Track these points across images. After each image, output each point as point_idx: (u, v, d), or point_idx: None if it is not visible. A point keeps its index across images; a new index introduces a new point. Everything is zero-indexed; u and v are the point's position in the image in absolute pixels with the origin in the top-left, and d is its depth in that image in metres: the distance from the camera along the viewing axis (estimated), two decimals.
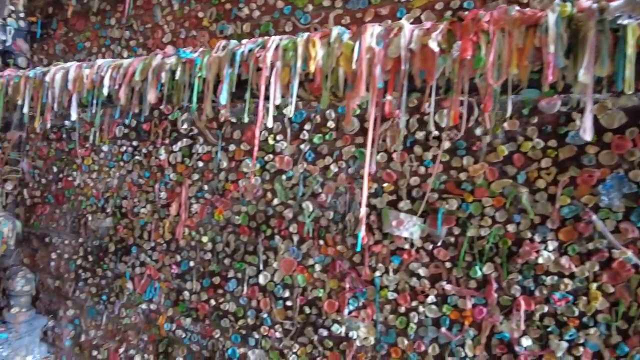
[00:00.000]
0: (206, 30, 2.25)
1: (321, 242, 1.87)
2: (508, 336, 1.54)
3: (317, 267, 1.87)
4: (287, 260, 1.94)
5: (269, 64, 1.35)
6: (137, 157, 2.48)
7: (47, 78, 1.93)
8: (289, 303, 1.94)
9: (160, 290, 2.36)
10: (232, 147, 2.13)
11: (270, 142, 2.00)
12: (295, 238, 1.93)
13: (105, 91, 1.71)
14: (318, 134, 1.88)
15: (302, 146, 1.92)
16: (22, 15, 2.71)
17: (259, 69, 1.40)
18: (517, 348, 1.52)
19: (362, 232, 1.20)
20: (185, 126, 2.28)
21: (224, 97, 1.42)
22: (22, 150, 2.88)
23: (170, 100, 1.57)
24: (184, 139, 2.29)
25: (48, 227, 2.97)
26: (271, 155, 2.00)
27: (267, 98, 1.38)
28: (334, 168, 1.84)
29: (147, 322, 2.42)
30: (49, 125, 1.93)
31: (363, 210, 1.18)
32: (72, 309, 2.82)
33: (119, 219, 2.55)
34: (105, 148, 2.63)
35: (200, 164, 2.22)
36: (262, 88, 1.36)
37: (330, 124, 1.85)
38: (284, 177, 1.96)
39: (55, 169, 2.93)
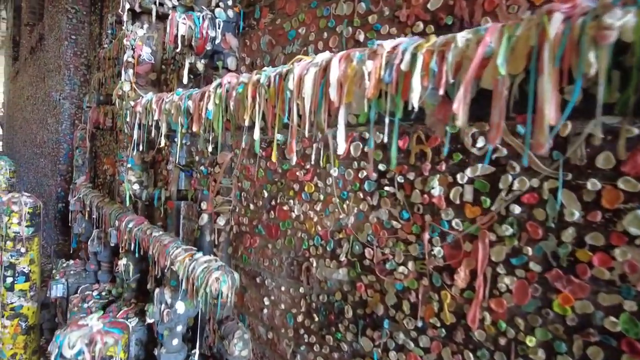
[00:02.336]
0: None
1: None
2: None
3: None
4: None
5: None
6: (386, 188, 1.69)
7: (290, 84, 1.21)
8: None
9: None
10: (588, 183, 1.15)
11: None
12: None
13: (415, 99, 0.89)
14: None
15: None
16: (229, 3, 2.15)
17: None
18: None
19: None
20: (481, 144, 1.38)
21: None
22: (233, 175, 2.37)
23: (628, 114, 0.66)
24: (480, 164, 1.39)
25: (258, 264, 2.44)
26: None
27: None
28: None
29: None
30: (294, 158, 1.22)
31: None
32: None
33: (359, 273, 1.81)
34: (334, 172, 1.92)
35: (517, 208, 1.30)
36: None
37: None
38: None
39: (265, 194, 2.37)
